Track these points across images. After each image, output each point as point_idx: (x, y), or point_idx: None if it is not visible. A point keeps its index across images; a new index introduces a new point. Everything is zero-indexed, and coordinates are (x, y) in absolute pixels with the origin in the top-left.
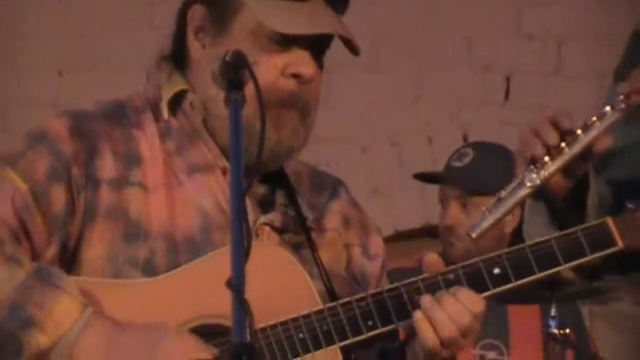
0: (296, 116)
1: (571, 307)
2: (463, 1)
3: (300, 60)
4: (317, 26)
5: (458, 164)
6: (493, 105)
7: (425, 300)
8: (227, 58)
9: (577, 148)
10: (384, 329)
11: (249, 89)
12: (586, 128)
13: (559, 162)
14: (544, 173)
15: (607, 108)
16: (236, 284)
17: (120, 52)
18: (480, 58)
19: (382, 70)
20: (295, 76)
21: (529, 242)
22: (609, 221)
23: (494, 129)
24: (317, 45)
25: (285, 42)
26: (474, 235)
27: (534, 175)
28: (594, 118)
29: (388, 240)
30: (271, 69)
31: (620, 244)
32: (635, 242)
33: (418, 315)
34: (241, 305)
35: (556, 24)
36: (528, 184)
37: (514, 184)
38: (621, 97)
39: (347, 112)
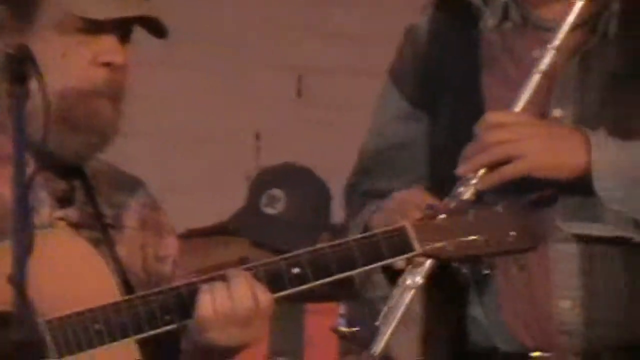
0: (109, 105)
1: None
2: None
3: (110, 48)
4: (127, 9)
5: (270, 210)
6: (285, 101)
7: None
8: (11, 51)
9: None
10: (181, 323)
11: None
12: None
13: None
14: (421, 270)
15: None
16: (17, 279)
17: None
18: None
19: (179, 66)
20: (106, 64)
21: (331, 243)
22: (407, 225)
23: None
24: (123, 34)
25: (93, 30)
26: (377, 354)
27: (418, 278)
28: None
29: (181, 237)
30: (80, 60)
31: (417, 248)
32: (432, 247)
33: (204, 286)
34: (23, 301)
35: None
36: (411, 285)
37: (397, 292)
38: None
39: (146, 108)
